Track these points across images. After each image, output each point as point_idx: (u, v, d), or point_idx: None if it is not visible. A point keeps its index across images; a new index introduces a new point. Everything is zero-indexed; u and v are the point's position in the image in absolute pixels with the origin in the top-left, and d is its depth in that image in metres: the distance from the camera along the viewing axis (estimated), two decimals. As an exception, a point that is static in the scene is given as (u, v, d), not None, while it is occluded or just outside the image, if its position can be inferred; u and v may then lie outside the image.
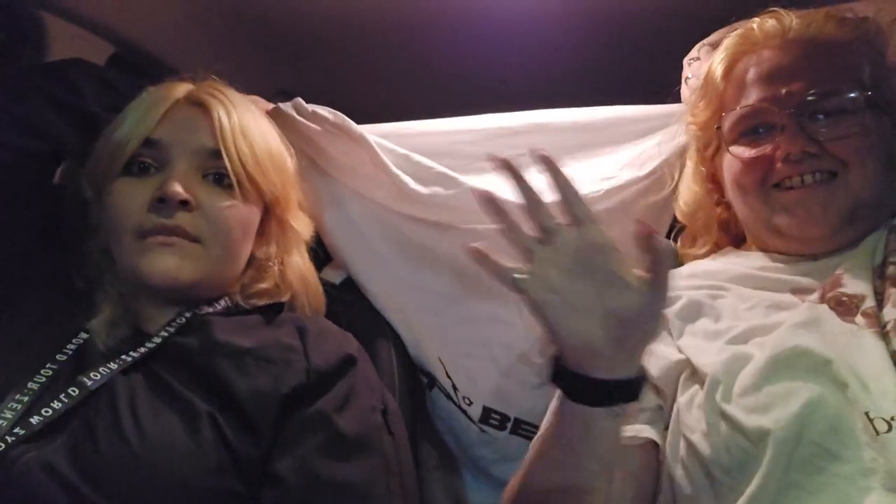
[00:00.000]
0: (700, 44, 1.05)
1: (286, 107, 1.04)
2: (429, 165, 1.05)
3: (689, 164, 0.98)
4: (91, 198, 0.88)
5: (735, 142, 0.88)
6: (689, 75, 1.06)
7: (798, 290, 0.82)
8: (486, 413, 1.09)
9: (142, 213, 0.80)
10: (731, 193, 0.91)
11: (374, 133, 1.07)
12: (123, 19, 1.21)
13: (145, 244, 0.80)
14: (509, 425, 1.09)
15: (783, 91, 0.83)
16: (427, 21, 1.31)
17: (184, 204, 0.80)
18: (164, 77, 0.93)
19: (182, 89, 0.87)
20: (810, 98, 0.82)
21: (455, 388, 1.08)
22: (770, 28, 0.88)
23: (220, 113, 0.85)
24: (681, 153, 1.05)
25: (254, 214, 0.89)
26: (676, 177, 1.05)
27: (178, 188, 0.79)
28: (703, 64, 1.02)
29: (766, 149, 0.84)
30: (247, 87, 0.99)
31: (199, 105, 0.86)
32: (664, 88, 1.12)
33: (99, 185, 0.85)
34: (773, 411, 0.67)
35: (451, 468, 1.17)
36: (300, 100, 1.05)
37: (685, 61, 1.07)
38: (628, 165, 1.08)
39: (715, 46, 1.01)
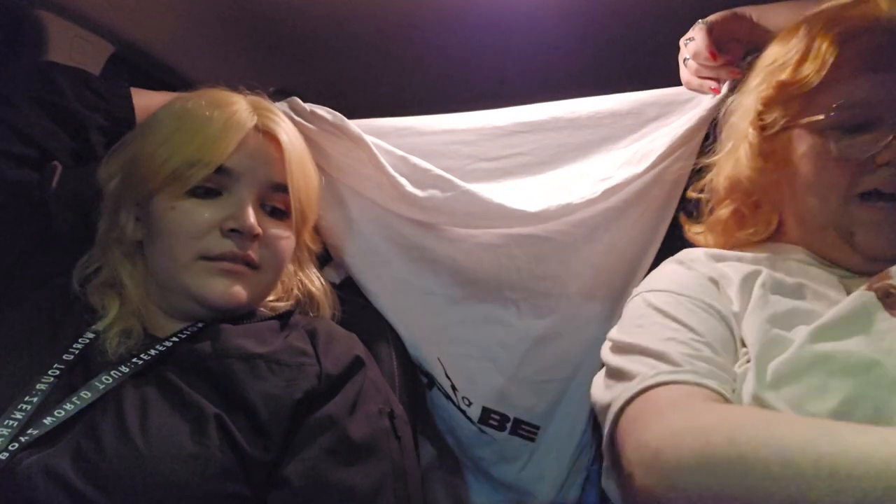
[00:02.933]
0: (697, 22, 1.00)
1: (282, 106, 1.04)
2: (426, 168, 1.05)
3: (751, 134, 0.86)
4: (111, 196, 0.88)
5: (831, 131, 0.78)
6: (687, 56, 1.03)
7: (844, 280, 0.79)
8: (486, 413, 1.09)
9: (210, 238, 0.82)
10: (803, 183, 0.82)
11: (370, 128, 1.07)
12: (124, 19, 1.21)
13: (210, 266, 0.82)
14: (508, 426, 1.09)
15: None
16: (426, 19, 1.30)
17: (255, 237, 0.83)
18: (158, 77, 0.92)
19: (248, 113, 0.86)
20: None
21: (454, 389, 1.08)
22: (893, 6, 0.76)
23: (289, 148, 0.87)
24: (682, 142, 1.03)
25: (294, 241, 0.93)
26: (687, 168, 1.02)
27: (253, 221, 0.82)
28: (697, 42, 0.98)
29: (866, 149, 0.75)
30: (246, 87, 0.99)
31: (267, 135, 0.87)
32: (666, 85, 1.11)
33: (145, 195, 0.84)
34: (809, 405, 0.65)
35: (452, 468, 1.16)
36: (297, 99, 1.05)
37: (681, 42, 1.04)
38: (627, 163, 1.06)
39: (710, 25, 0.98)
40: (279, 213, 0.88)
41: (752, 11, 0.97)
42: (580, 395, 1.07)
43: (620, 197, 1.06)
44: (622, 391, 0.71)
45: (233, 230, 0.82)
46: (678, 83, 1.08)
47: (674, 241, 1.04)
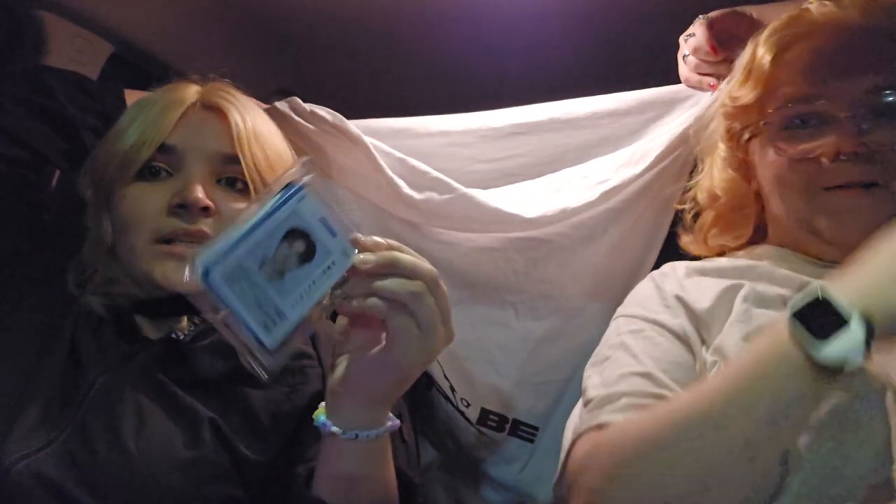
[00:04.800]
0: (698, 18, 1.01)
1: (283, 106, 1.04)
2: (424, 170, 1.05)
3: (722, 149, 0.91)
4: (90, 201, 0.87)
5: (779, 133, 0.81)
6: (686, 52, 1.03)
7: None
8: (484, 415, 1.08)
9: (160, 218, 0.79)
10: (768, 187, 0.85)
11: (368, 130, 1.07)
12: (123, 19, 1.21)
13: (163, 251, 0.79)
14: (507, 427, 1.09)
15: (839, 83, 0.76)
16: (427, 20, 1.30)
17: (204, 210, 0.79)
18: (157, 77, 0.92)
19: (192, 92, 0.86)
20: (870, 94, 0.74)
21: (453, 390, 1.08)
22: (830, 12, 0.79)
23: (235, 117, 0.84)
24: (681, 141, 1.02)
25: None
26: (687, 165, 1.02)
27: (200, 194, 0.78)
28: (697, 37, 0.99)
29: (815, 146, 0.77)
30: (246, 86, 0.99)
31: (211, 109, 0.85)
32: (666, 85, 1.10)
33: (107, 189, 0.84)
34: None
35: (452, 468, 1.16)
36: (297, 99, 1.05)
37: (681, 39, 1.04)
38: (625, 164, 1.06)
39: (710, 21, 0.98)
40: (238, 187, 0.84)
41: (753, 10, 0.97)
42: (579, 396, 1.07)
43: (620, 198, 1.06)
44: (568, 441, 0.78)
45: (179, 206, 0.79)
46: (678, 82, 1.07)
47: (676, 241, 1.03)
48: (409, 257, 0.60)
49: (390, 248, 0.61)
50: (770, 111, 0.81)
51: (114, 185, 0.83)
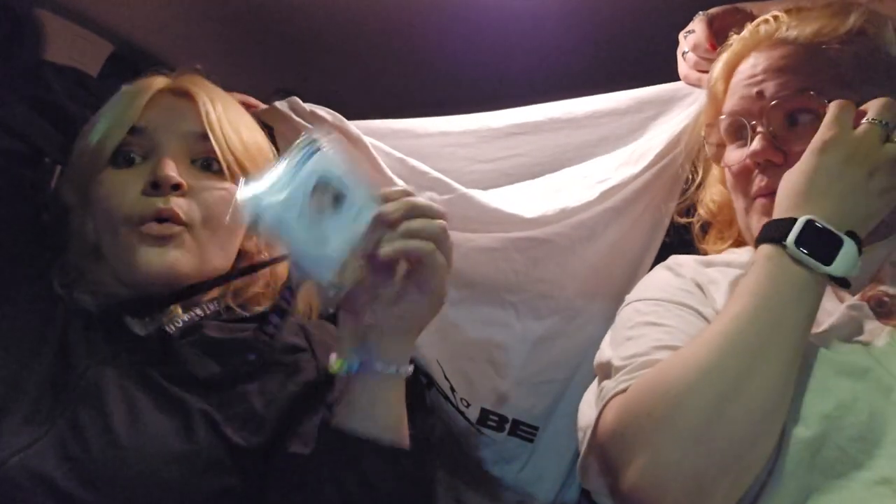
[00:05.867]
0: (697, 14, 1.02)
1: (283, 106, 1.04)
2: (423, 171, 1.05)
3: (714, 167, 0.95)
4: (72, 203, 0.86)
5: (719, 146, 0.86)
6: (686, 49, 1.03)
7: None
8: (484, 415, 1.08)
9: (135, 201, 0.79)
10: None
11: (367, 130, 1.07)
12: (123, 18, 1.22)
13: (141, 236, 0.79)
14: (507, 427, 1.09)
15: (754, 92, 0.80)
16: (427, 19, 1.30)
17: (176, 188, 0.79)
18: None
19: (160, 80, 0.87)
20: (778, 101, 0.77)
21: (453, 390, 1.07)
22: (764, 30, 0.83)
23: (204, 100, 0.85)
24: (681, 139, 1.03)
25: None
26: (685, 166, 1.03)
27: (171, 171, 0.79)
28: (697, 33, 1.00)
29: (738, 160, 0.82)
30: (247, 87, 0.99)
31: (181, 94, 0.86)
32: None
33: (84, 182, 0.84)
34: (802, 408, 0.65)
35: (452, 468, 1.16)
36: (297, 99, 1.04)
37: (681, 35, 1.05)
38: (625, 163, 1.06)
39: (710, 18, 0.99)
40: (214, 169, 0.84)
41: (753, 6, 0.98)
42: (579, 396, 1.05)
43: (619, 197, 1.06)
44: (586, 418, 0.79)
45: (153, 185, 0.79)
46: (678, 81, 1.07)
47: (676, 239, 1.04)
48: (423, 200, 0.67)
49: (405, 192, 0.67)
50: (709, 125, 0.87)
51: (88, 176, 0.83)
